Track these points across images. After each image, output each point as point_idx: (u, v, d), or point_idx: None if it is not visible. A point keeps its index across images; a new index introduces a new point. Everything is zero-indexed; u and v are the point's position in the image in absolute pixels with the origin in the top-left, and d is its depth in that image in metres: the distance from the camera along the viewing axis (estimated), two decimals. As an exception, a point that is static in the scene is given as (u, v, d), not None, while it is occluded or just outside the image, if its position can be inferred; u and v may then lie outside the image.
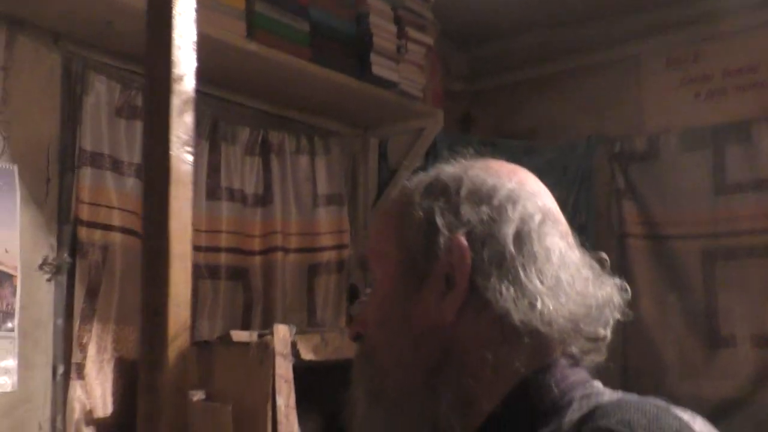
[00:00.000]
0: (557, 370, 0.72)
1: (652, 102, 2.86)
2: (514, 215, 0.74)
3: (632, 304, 2.61)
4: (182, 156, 0.63)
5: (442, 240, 0.74)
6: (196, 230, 2.14)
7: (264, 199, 2.33)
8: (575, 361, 0.75)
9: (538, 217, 0.75)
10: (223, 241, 2.19)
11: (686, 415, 0.65)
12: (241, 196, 2.27)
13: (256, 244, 2.30)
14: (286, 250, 2.38)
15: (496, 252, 0.72)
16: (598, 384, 0.75)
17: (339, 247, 2.55)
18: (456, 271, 0.72)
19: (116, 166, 1.95)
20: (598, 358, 0.77)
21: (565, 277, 0.73)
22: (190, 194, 0.65)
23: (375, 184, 2.72)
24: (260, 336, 1.69)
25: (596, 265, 0.79)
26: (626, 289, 0.79)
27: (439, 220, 0.75)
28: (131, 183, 1.96)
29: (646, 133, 2.83)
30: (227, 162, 2.22)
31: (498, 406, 0.71)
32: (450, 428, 0.71)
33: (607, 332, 0.76)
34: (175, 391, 0.61)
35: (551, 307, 0.71)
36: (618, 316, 0.77)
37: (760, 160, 2.54)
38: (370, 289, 0.81)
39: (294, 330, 1.73)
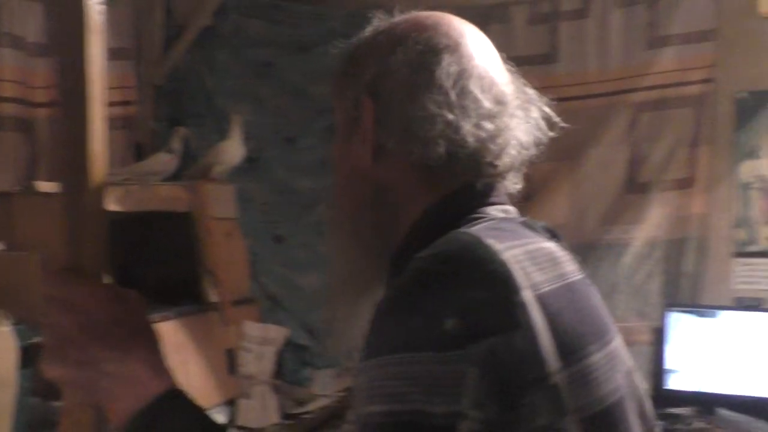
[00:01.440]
0: (452, 201, 0.82)
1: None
2: (402, 62, 0.83)
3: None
4: (95, 6, 0.69)
5: (353, 98, 0.86)
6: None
7: (48, 50, 2.23)
8: (479, 191, 0.83)
9: (432, 59, 0.82)
10: (7, 90, 2.09)
11: (499, 245, 0.72)
12: (24, 44, 2.15)
13: (41, 96, 2.22)
14: (70, 104, 2.32)
15: (392, 103, 0.83)
16: (493, 212, 0.82)
17: (124, 103, 2.53)
18: (365, 123, 0.84)
19: None
20: (511, 185, 0.87)
21: (456, 114, 0.80)
22: (103, 43, 0.72)
23: (161, 41, 2.69)
24: (66, 187, 1.70)
25: (514, 96, 0.86)
26: (547, 117, 0.87)
27: (351, 82, 0.87)
28: None
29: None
30: (9, 7, 2.09)
31: (405, 235, 0.83)
32: (374, 256, 0.85)
33: (504, 160, 0.83)
34: (97, 213, 0.71)
35: (442, 147, 0.80)
36: (524, 151, 0.85)
37: (515, 38, 2.88)
38: None
39: (100, 182, 1.76)
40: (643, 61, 2.79)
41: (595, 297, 0.81)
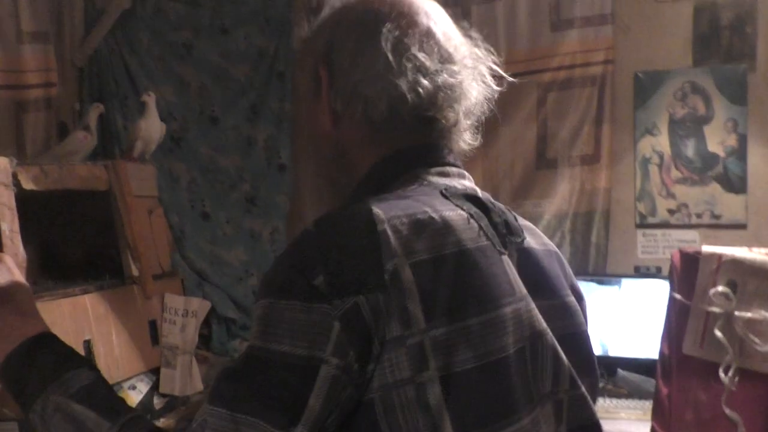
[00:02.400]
0: (392, 161, 0.89)
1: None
2: (345, 33, 0.91)
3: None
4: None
5: (312, 69, 0.93)
6: None
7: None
8: (419, 153, 0.90)
9: (370, 29, 0.89)
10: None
11: (385, 216, 0.78)
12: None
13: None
14: (-10, 86, 2.38)
15: (341, 69, 0.90)
16: (425, 175, 0.88)
17: (47, 85, 2.59)
18: (324, 92, 0.91)
19: None
20: (464, 144, 0.94)
21: (394, 74, 0.87)
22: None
23: (82, 23, 2.74)
24: (-20, 167, 1.77)
25: (464, 55, 0.92)
26: (490, 87, 0.93)
27: (309, 55, 0.94)
28: None
29: (339, -10, 3.14)
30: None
31: (352, 192, 0.91)
32: (328, 202, 0.94)
33: (449, 115, 0.90)
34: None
35: (383, 104, 0.87)
36: (473, 106, 0.92)
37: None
38: None
39: (15, 161, 1.84)
40: (549, 43, 2.95)
41: (496, 264, 0.83)
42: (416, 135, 0.89)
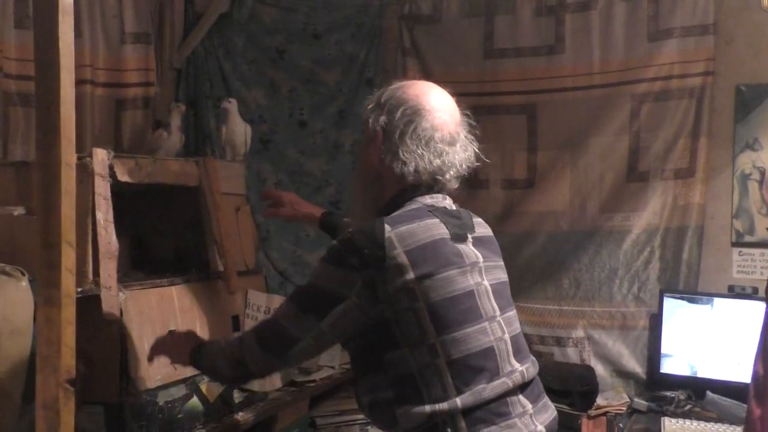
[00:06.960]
0: (406, 192, 1.52)
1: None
2: (400, 117, 1.51)
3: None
4: (66, -9, 0.83)
5: (372, 127, 1.55)
6: (6, 58, 2.19)
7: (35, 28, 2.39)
8: (422, 189, 1.51)
9: (416, 119, 1.49)
10: (34, 69, 2.25)
11: (391, 227, 1.42)
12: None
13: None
14: (94, 84, 2.49)
15: (392, 138, 1.52)
16: (422, 200, 1.51)
17: (145, 84, 2.69)
18: (376, 142, 1.53)
19: None
20: (451, 186, 1.55)
21: (423, 151, 1.49)
22: (72, 22, 0.85)
23: (181, 26, 2.84)
24: (80, 158, 1.85)
25: (461, 136, 1.53)
26: (471, 157, 1.55)
27: (372, 119, 1.55)
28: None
29: (431, -4, 3.15)
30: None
31: (383, 207, 1.54)
32: (368, 211, 1.56)
33: (446, 176, 1.51)
34: (67, 166, 0.84)
35: (412, 167, 1.49)
36: (461, 170, 1.53)
37: (521, 29, 2.98)
38: None
39: (112, 154, 1.91)
40: (645, 53, 2.86)
41: (453, 247, 1.46)
42: (425, 181, 1.51)
